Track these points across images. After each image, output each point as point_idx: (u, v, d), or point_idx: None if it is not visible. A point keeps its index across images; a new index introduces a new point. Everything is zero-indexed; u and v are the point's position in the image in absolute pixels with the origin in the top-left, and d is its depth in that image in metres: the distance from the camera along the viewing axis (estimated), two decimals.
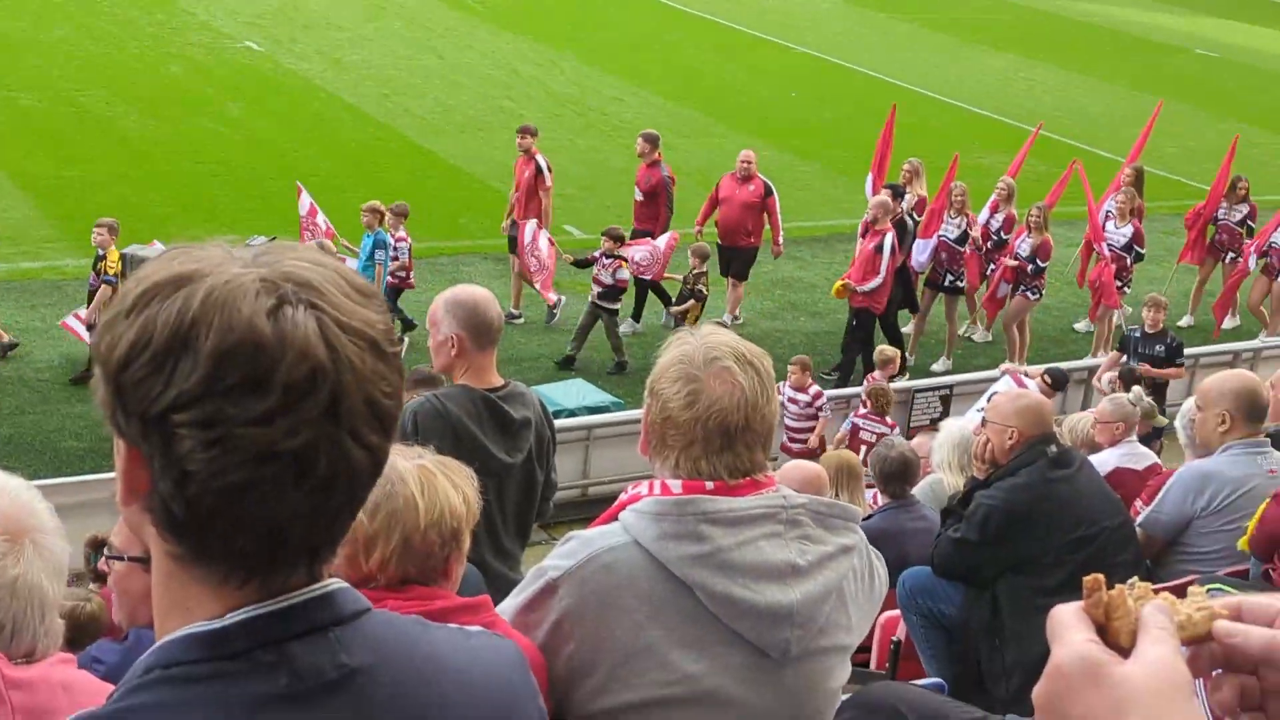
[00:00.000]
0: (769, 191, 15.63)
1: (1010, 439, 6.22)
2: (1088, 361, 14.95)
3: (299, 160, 20.38)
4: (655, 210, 15.67)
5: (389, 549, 2.77)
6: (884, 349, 13.51)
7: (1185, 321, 17.45)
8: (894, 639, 6.67)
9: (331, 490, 1.44)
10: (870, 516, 7.69)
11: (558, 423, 6.76)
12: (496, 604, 2.85)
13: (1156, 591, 1.29)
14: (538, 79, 26.94)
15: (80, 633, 5.05)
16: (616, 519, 2.69)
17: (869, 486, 8.66)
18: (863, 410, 12.36)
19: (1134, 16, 42.73)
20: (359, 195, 18.89)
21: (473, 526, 2.93)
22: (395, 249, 14.30)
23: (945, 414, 13.23)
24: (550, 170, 15.63)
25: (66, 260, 15.61)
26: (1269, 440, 6.74)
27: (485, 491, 3.06)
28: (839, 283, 14.88)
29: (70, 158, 19.20)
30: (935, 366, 15.57)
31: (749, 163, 15.72)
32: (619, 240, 14.58)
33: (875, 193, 15.67)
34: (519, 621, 2.64)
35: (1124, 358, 13.56)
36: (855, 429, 12.28)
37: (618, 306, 14.64)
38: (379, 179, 19.89)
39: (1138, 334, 13.74)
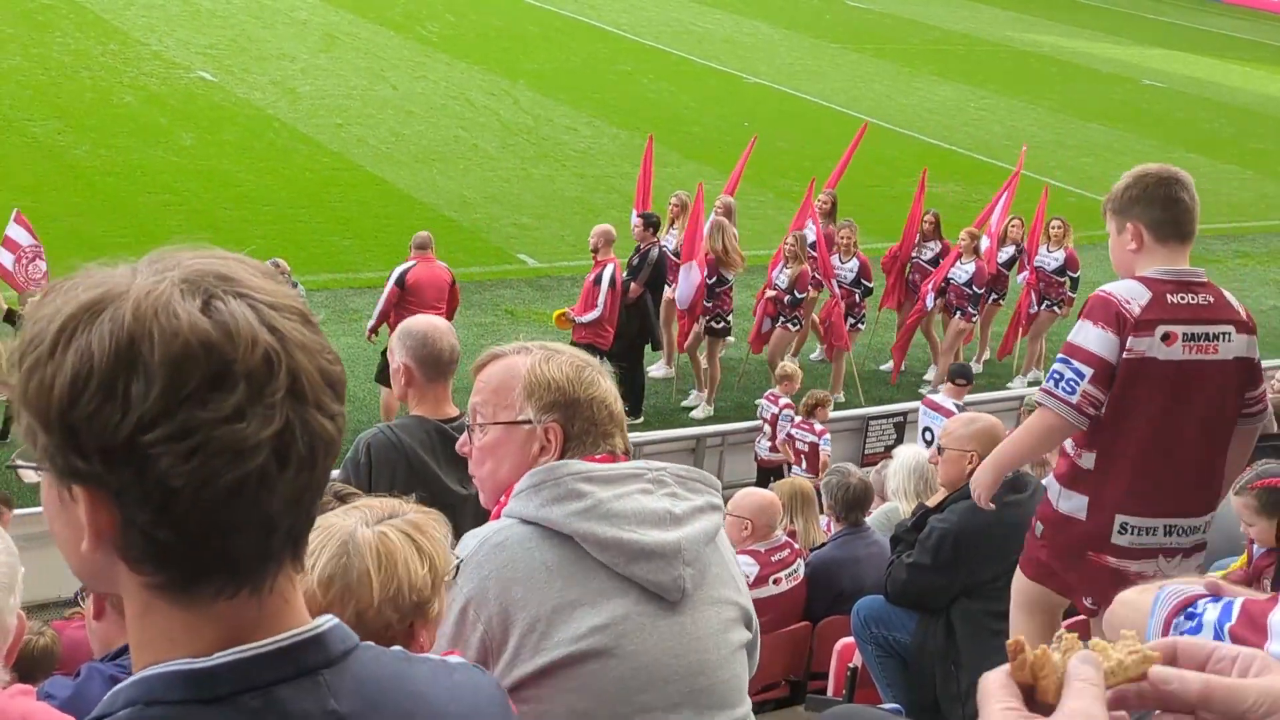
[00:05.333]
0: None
1: (970, 463, 6.23)
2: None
3: (253, 190, 20.31)
4: None
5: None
6: (784, 365, 13.49)
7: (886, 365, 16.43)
8: (850, 666, 6.70)
9: (313, 468, 1.42)
10: (824, 545, 7.72)
11: None
12: None
13: (1085, 640, 1.32)
14: (491, 108, 26.95)
15: (33, 667, 5.01)
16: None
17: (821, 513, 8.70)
18: (796, 419, 12.55)
19: (1081, 47, 43.22)
20: (314, 225, 18.98)
21: (444, 588, 2.94)
22: None
23: (899, 441, 13.31)
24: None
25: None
26: None
27: None
28: (559, 312, 14.16)
29: (21, 188, 19.04)
30: (695, 413, 14.72)
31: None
32: None
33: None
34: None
35: None
36: (790, 439, 12.55)
37: None
38: (333, 209, 19.89)
39: None
